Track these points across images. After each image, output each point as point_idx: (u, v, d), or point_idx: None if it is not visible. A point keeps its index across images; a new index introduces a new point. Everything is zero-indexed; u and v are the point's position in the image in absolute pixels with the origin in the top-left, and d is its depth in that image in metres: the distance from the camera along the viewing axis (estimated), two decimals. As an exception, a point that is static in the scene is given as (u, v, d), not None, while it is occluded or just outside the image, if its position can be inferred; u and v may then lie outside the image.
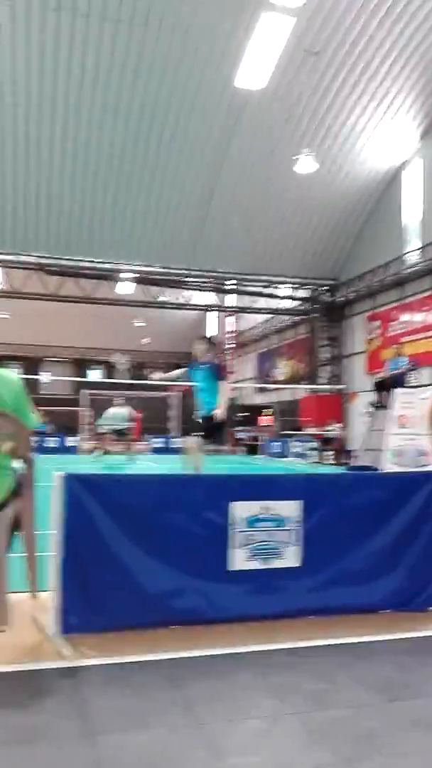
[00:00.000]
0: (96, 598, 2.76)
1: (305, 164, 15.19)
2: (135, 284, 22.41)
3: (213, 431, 6.67)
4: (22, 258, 19.50)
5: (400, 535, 3.10)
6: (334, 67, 15.20)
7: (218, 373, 6.76)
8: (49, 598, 2.72)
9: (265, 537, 2.94)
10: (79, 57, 14.68)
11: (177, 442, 20.56)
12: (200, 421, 6.66)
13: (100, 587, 2.77)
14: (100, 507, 2.79)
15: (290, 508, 2.98)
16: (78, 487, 2.78)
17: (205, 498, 2.94)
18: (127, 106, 15.94)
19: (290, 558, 2.95)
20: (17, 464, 3.03)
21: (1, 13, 13.40)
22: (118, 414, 16.41)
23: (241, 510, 2.93)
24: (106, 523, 2.79)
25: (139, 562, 2.81)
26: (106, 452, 18.65)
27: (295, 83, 15.60)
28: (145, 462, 15.75)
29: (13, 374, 2.96)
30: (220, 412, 6.52)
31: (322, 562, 2.98)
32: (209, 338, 7.49)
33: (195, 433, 6.69)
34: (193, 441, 6.61)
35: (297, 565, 2.95)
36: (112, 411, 16.60)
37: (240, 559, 2.91)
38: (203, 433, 6.58)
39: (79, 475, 2.82)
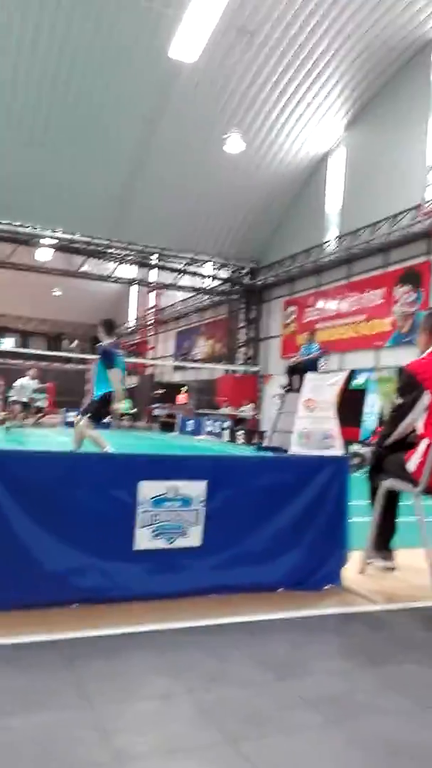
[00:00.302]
0: (-6, 576, 2.69)
1: (233, 143, 15.18)
2: (55, 251, 21.74)
3: (99, 414, 7.03)
4: None
5: (300, 516, 3.21)
6: (267, 48, 15.19)
7: (105, 360, 6.91)
8: None
9: (170, 516, 2.96)
10: (7, 16, 13.89)
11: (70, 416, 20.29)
12: (91, 402, 7.11)
13: (-2, 565, 2.69)
14: (1, 483, 2.70)
15: (195, 488, 3.01)
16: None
17: (113, 477, 2.92)
18: (57, 68, 15.31)
19: (193, 537, 2.99)
20: None
21: None
22: (28, 385, 16.06)
23: (148, 489, 2.93)
24: (6, 499, 2.71)
25: (40, 540, 2.75)
26: (17, 424, 18.16)
27: (227, 61, 15.48)
28: (57, 436, 15.44)
29: None
30: (116, 405, 6.93)
31: (223, 541, 3.04)
32: (108, 321, 7.41)
33: (84, 414, 7.17)
34: (81, 420, 7.07)
35: (199, 544, 2.99)
36: (21, 381, 16.22)
37: (145, 539, 2.91)
38: (89, 415, 6.98)
39: (-21, 450, 2.71)
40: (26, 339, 39.63)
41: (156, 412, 23.61)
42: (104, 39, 14.71)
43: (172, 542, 2.95)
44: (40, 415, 20.20)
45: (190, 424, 20.20)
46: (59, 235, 20.37)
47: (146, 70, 15.59)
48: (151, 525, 2.93)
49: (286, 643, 2.43)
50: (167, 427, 21.58)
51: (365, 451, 3.51)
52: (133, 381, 31.89)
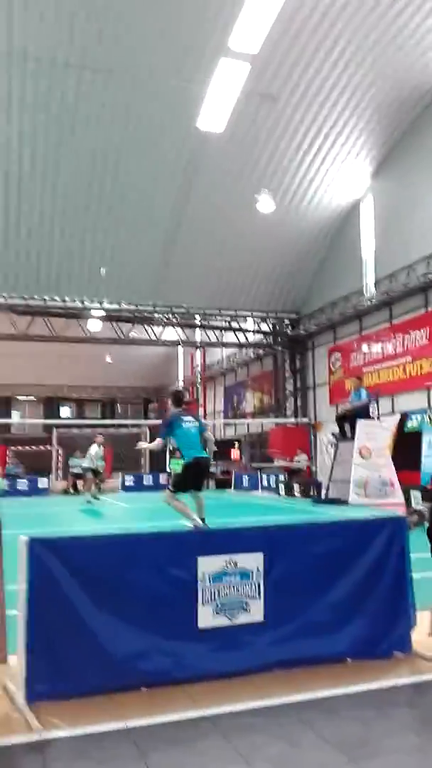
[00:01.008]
0: (62, 664, 2.75)
1: (265, 203, 15.61)
2: (103, 322, 22.50)
3: (178, 483, 7.22)
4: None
5: (361, 582, 3.17)
6: (289, 110, 15.77)
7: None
8: (17, 664, 2.70)
9: (230, 591, 2.98)
10: (43, 102, 14.94)
11: (148, 479, 20.46)
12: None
13: (65, 652, 2.76)
14: (65, 570, 2.79)
15: (253, 561, 3.03)
16: (41, 550, 2.79)
17: (171, 555, 2.97)
18: (92, 148, 16.22)
19: (255, 612, 2.99)
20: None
21: None
22: (97, 453, 16.00)
23: (206, 565, 2.97)
24: (71, 586, 2.79)
25: (106, 624, 2.82)
26: (76, 492, 18.35)
27: (252, 126, 16.11)
28: (117, 502, 15.59)
29: None
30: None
31: (285, 614, 3.03)
32: (174, 392, 7.89)
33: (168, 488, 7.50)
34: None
35: (261, 619, 2.99)
36: (92, 449, 16.13)
37: (207, 616, 2.94)
38: (169, 487, 7.41)
39: (43, 538, 2.83)
40: (82, 407, 40.64)
41: (211, 469, 23.61)
42: (137, 117, 15.58)
43: (234, 618, 2.96)
44: (101, 481, 20.50)
45: (246, 480, 20.09)
46: (106, 305, 21.13)
47: (177, 143, 16.37)
48: (212, 602, 2.96)
49: (357, 720, 2.39)
50: (223, 484, 21.51)
51: (423, 507, 3.47)
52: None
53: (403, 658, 3.07)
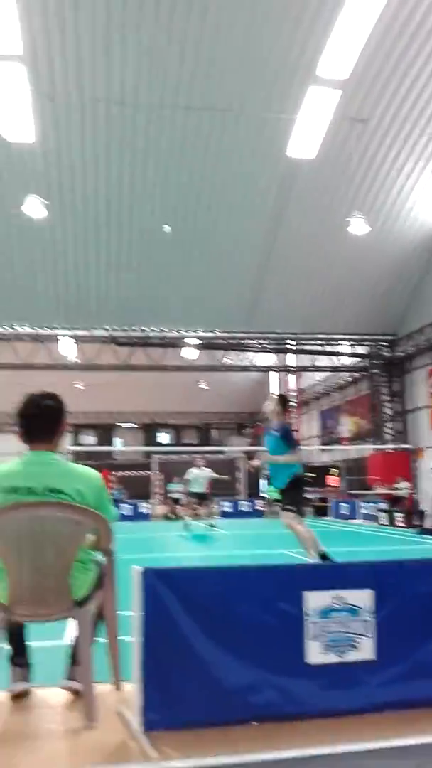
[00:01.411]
0: (175, 694, 2.83)
1: (358, 226, 15.48)
2: (199, 350, 23.02)
3: (298, 501, 6.42)
4: (95, 332, 20.61)
5: None
6: (381, 132, 15.64)
7: (287, 439, 6.34)
8: (132, 691, 2.80)
9: (339, 628, 2.96)
10: (136, 142, 15.70)
11: (245, 505, 20.48)
12: (279, 495, 6.44)
13: (178, 682, 2.83)
14: (177, 600, 2.88)
15: (362, 598, 3.00)
16: (155, 580, 2.89)
17: (278, 588, 2.99)
18: (184, 182, 16.81)
19: (365, 650, 2.95)
20: (99, 557, 3.20)
21: (46, 113, 14.55)
22: (200, 474, 15.68)
23: (314, 600, 2.97)
24: (183, 617, 2.87)
25: (215, 655, 2.87)
26: (176, 516, 18.52)
27: (344, 150, 16.09)
28: (217, 529, 15.66)
29: (93, 471, 3.15)
30: (255, 462, 6.41)
31: (398, 653, 2.96)
32: (281, 396, 6.83)
33: (284, 508, 6.40)
34: (286, 516, 6.32)
35: (372, 657, 2.94)
36: (193, 472, 15.88)
37: (315, 652, 2.93)
38: (291, 508, 6.30)
39: (156, 569, 2.93)
40: (179, 432, 41.54)
41: (307, 496, 23.27)
42: (227, 150, 16.00)
43: (343, 655, 2.93)
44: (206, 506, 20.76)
45: (344, 507, 19.63)
46: (201, 334, 21.62)
47: (267, 172, 16.64)
48: (320, 637, 2.94)
49: None
50: (320, 511, 21.14)
51: None
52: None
53: None
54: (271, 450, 6.46)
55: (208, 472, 15.91)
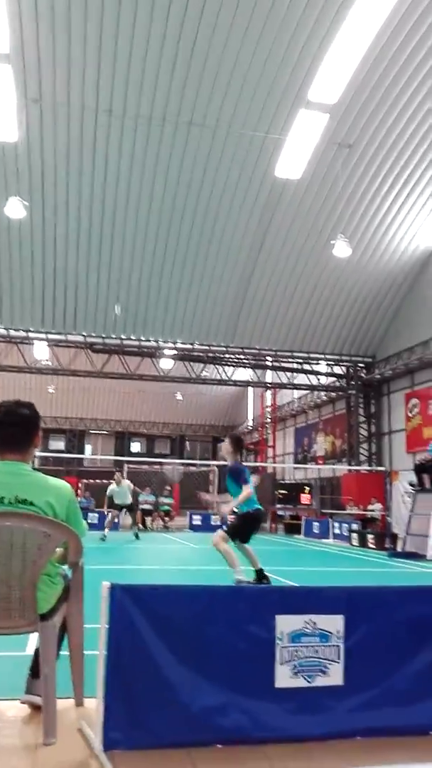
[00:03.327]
0: (139, 713, 2.76)
1: (340, 249, 15.67)
2: (176, 361, 22.98)
3: (238, 533, 6.82)
4: (71, 337, 20.43)
5: (447, 651, 3.04)
6: (367, 158, 15.90)
7: (237, 479, 6.75)
8: (94, 708, 2.73)
9: (309, 653, 2.92)
10: (125, 154, 15.73)
11: (216, 519, 20.42)
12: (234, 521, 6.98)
13: (143, 701, 2.76)
14: (145, 618, 2.82)
15: (333, 623, 2.97)
16: (123, 597, 2.82)
17: (250, 611, 2.95)
18: (170, 194, 16.85)
19: (334, 676, 2.92)
20: (66, 570, 3.13)
21: (32, 115, 14.50)
22: (124, 486, 15.83)
23: (285, 624, 2.93)
24: (150, 635, 2.81)
25: (182, 676, 2.81)
26: (145, 527, 18.47)
27: (329, 173, 16.33)
28: (186, 542, 15.57)
29: (65, 483, 3.09)
30: (225, 508, 7.07)
31: (366, 680, 2.94)
32: (233, 437, 7.25)
33: (222, 528, 7.02)
34: (217, 534, 6.82)
35: (341, 683, 2.91)
36: (114, 488, 15.97)
37: (285, 676, 2.89)
38: (226, 530, 6.83)
39: (125, 586, 2.86)
40: (152, 442, 41.32)
41: (280, 513, 23.26)
42: (215, 167, 16.12)
43: (312, 681, 2.90)
44: (168, 518, 20.64)
45: (316, 526, 19.65)
46: (179, 345, 21.59)
47: (254, 190, 16.79)
48: (290, 662, 2.91)
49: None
50: (292, 529, 21.13)
51: None
52: (254, 481, 31.84)
53: None
54: (228, 486, 6.95)
55: (127, 484, 16.26)
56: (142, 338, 21.20)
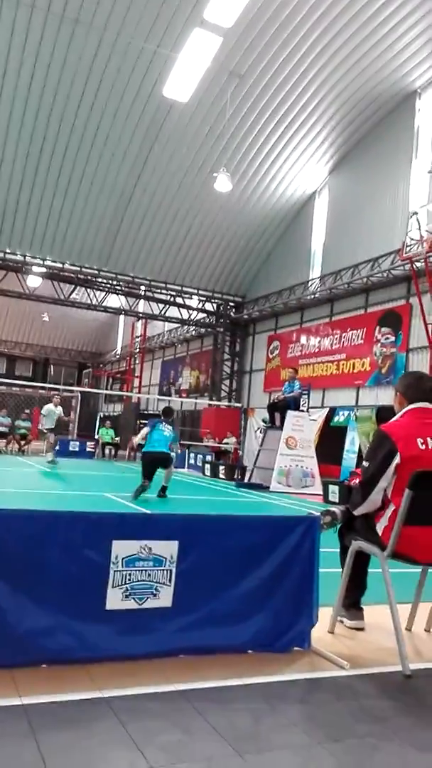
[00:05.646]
0: (-38, 636, 2.70)
1: (222, 183, 15.50)
2: (44, 279, 21.89)
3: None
4: None
5: (270, 576, 3.25)
6: (256, 92, 15.66)
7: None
8: None
9: (142, 576, 3.00)
10: (7, 52, 14.23)
11: (75, 445, 20.26)
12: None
13: (-34, 625, 2.71)
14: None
15: (168, 548, 3.06)
16: None
17: (86, 536, 2.95)
18: (53, 100, 15.62)
19: (164, 598, 3.03)
20: None
21: None
22: (53, 412, 15.45)
23: (121, 549, 2.97)
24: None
25: (9, 599, 2.77)
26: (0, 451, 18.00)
27: (217, 102, 15.91)
28: (35, 465, 15.34)
29: None
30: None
31: (194, 602, 3.08)
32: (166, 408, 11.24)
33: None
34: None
35: (169, 605, 3.03)
36: (48, 408, 15.71)
37: (116, 599, 2.95)
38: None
39: None
40: (12, 363, 39.55)
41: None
42: (101, 73, 15.08)
43: (143, 602, 2.98)
44: (24, 442, 20.12)
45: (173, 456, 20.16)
46: (49, 263, 20.55)
47: (140, 106, 15.98)
48: (123, 585, 2.97)
49: (249, 713, 2.46)
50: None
51: (337, 509, 3.58)
52: (117, 409, 31.82)
53: (301, 653, 3.19)
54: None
55: (60, 410, 15.82)
56: (8, 250, 19.88)
